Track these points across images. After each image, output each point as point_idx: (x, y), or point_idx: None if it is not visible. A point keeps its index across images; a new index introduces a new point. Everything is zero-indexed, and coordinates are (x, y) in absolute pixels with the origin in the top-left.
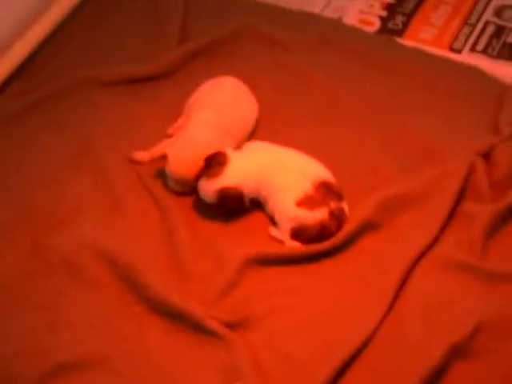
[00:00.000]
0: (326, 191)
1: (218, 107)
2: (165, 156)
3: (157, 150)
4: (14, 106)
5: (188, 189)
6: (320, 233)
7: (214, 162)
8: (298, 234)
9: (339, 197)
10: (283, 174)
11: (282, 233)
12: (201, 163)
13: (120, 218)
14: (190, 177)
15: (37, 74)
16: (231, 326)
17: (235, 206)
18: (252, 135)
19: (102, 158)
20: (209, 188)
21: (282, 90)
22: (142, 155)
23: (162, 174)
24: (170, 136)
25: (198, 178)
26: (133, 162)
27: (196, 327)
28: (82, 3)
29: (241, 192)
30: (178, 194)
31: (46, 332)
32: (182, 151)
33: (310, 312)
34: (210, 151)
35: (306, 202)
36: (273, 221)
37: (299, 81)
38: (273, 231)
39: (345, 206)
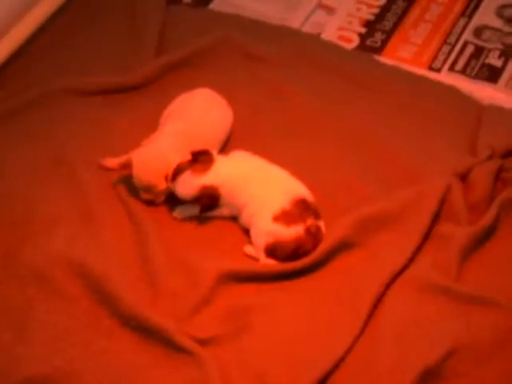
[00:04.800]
0: (303, 208)
1: (187, 117)
2: (130, 161)
3: (126, 157)
4: None
5: (152, 196)
6: (295, 250)
7: (200, 159)
8: (274, 250)
9: (316, 215)
10: (263, 186)
11: (257, 250)
12: (165, 169)
13: (93, 230)
14: (152, 182)
15: (10, 83)
16: (202, 342)
17: (208, 206)
18: (226, 148)
19: (76, 169)
20: (192, 183)
21: (259, 105)
22: (111, 162)
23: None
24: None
25: (175, 172)
26: (102, 168)
27: (167, 342)
28: (57, 13)
29: (219, 194)
30: (147, 203)
31: (14, 345)
32: (145, 156)
33: (282, 330)
34: (175, 158)
35: (283, 218)
36: (248, 236)
37: (276, 95)
38: (248, 250)
39: (322, 224)
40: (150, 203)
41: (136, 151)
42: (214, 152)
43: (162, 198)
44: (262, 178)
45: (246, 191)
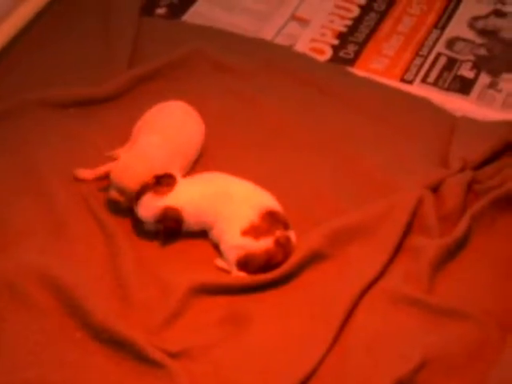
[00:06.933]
0: (271, 220)
1: (164, 130)
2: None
3: (101, 168)
4: None
5: (122, 198)
6: (266, 262)
7: (163, 181)
8: (245, 263)
9: (285, 226)
10: (229, 203)
11: (229, 263)
12: (146, 177)
13: (64, 242)
14: (130, 186)
15: None
16: (175, 355)
17: (172, 229)
18: (199, 160)
19: (47, 180)
20: (153, 204)
21: (231, 116)
22: (85, 173)
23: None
24: (115, 160)
25: (138, 194)
26: (76, 179)
27: (139, 356)
28: (30, 24)
29: (181, 217)
30: (113, 204)
31: None
32: (133, 159)
33: (254, 342)
34: (159, 168)
35: (251, 231)
36: (218, 250)
37: (248, 107)
38: (219, 263)
39: (292, 234)
40: (115, 204)
41: (124, 152)
42: (178, 175)
43: (130, 203)
44: (227, 196)
45: (212, 210)
